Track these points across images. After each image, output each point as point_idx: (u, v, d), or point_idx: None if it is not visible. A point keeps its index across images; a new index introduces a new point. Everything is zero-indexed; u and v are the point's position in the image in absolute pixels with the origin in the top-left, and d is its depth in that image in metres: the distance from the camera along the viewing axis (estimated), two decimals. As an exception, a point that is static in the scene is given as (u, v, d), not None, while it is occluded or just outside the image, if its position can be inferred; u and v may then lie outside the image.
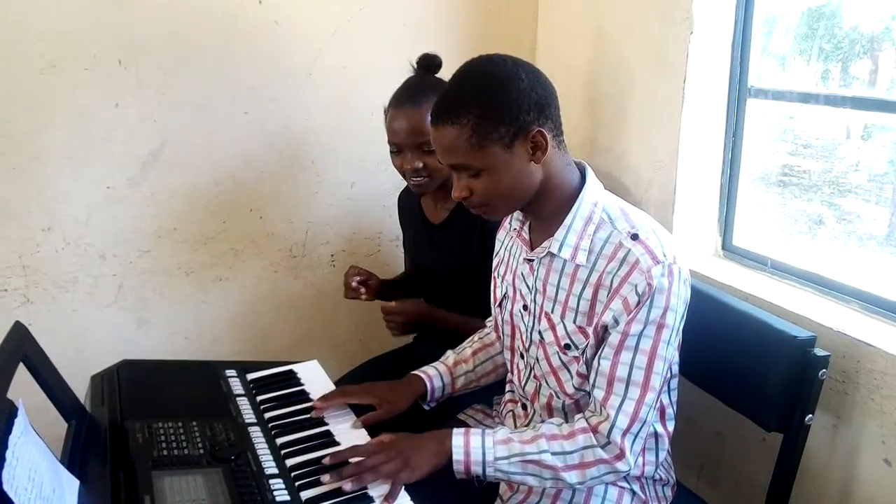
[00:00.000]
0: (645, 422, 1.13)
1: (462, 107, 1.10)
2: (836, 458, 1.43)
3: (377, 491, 1.09)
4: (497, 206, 1.19)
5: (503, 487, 1.33)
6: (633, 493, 1.28)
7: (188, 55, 1.89)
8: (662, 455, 1.29)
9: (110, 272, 1.95)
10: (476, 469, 1.14)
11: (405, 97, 1.59)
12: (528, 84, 1.11)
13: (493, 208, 1.19)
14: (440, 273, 1.74)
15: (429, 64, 1.64)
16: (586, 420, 1.15)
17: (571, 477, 1.13)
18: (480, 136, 1.09)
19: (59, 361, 1.17)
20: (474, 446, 1.14)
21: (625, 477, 1.27)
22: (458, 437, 1.15)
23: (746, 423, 1.36)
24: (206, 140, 1.96)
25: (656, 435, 1.27)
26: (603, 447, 1.13)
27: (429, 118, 1.53)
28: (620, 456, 1.12)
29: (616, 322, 1.12)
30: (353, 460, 1.13)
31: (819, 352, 1.25)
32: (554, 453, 1.13)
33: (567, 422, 1.18)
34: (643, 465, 1.27)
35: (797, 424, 1.26)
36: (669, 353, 1.13)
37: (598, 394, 1.14)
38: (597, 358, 1.15)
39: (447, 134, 1.11)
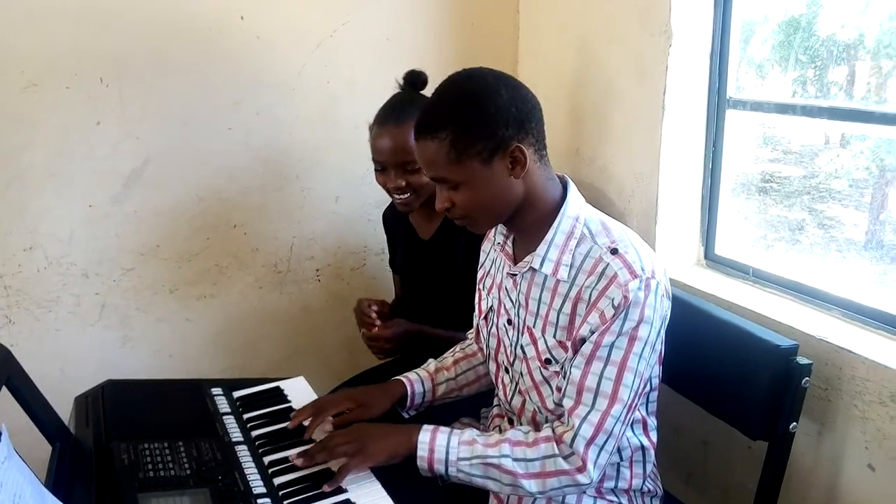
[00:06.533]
0: (611, 434, 1.12)
1: (439, 122, 1.11)
2: (821, 464, 1.44)
3: (361, 499, 1.10)
4: (478, 219, 1.20)
5: (492, 500, 1.33)
6: (621, 504, 1.28)
7: (170, 71, 1.88)
8: (649, 467, 1.30)
9: (93, 291, 1.94)
10: (438, 467, 1.15)
11: (389, 116, 1.59)
12: (507, 99, 1.11)
13: (474, 221, 1.21)
14: (431, 288, 1.74)
15: (414, 81, 1.64)
16: (552, 429, 1.16)
17: (531, 485, 1.13)
18: (458, 150, 1.11)
19: (42, 382, 1.16)
20: (439, 444, 1.15)
21: (612, 490, 1.27)
22: (425, 433, 1.16)
23: (732, 432, 1.37)
24: (190, 156, 1.96)
25: (642, 448, 1.27)
26: (565, 458, 1.12)
27: (412, 136, 1.55)
28: (582, 468, 1.12)
29: (591, 334, 1.12)
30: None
31: (802, 360, 1.26)
32: (515, 459, 1.13)
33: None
34: (630, 478, 1.27)
35: (781, 432, 1.27)
36: (641, 367, 1.13)
37: (567, 403, 1.15)
38: (569, 367, 1.16)
39: (427, 148, 1.13)
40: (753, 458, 1.48)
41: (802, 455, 1.45)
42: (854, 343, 1.37)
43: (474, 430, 1.20)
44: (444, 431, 1.17)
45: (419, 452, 1.15)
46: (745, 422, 1.33)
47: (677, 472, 1.79)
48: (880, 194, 1.55)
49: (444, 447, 1.15)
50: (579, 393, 1.13)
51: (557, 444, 1.13)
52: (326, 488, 1.11)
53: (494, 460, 1.14)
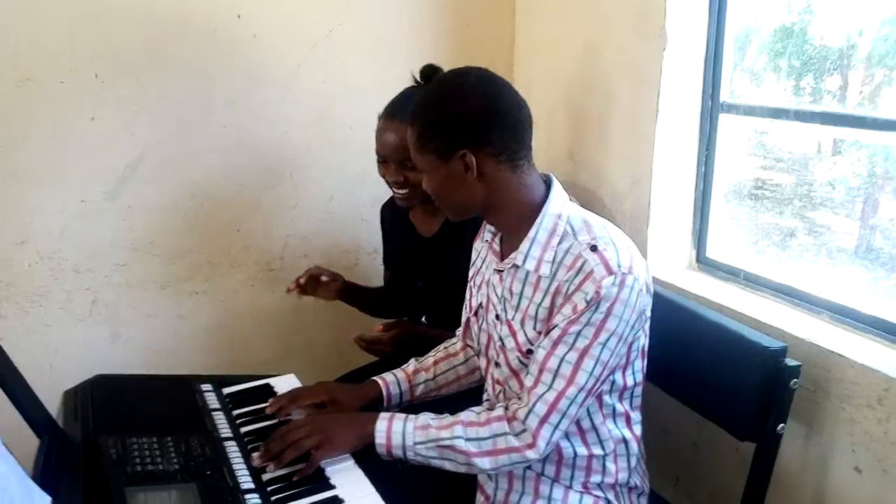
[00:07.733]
0: (565, 414, 1.15)
1: (414, 112, 1.22)
2: (809, 466, 1.45)
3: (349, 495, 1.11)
4: (444, 207, 1.28)
5: (479, 497, 1.33)
6: (608, 501, 1.29)
7: (166, 68, 1.88)
8: (634, 461, 1.31)
9: (84, 286, 1.93)
10: (397, 453, 1.19)
11: (396, 111, 1.59)
12: (472, 107, 1.16)
13: (443, 208, 1.28)
14: (430, 286, 1.73)
15: (430, 75, 1.64)
16: (506, 408, 1.19)
17: (484, 463, 1.17)
18: (422, 141, 1.20)
19: (31, 376, 1.15)
20: (395, 431, 1.20)
21: (598, 485, 1.28)
22: (382, 421, 1.21)
23: (721, 433, 1.37)
24: (184, 153, 1.96)
25: (625, 440, 1.28)
26: (516, 435, 1.16)
27: None
28: (532, 445, 1.15)
29: (562, 321, 1.15)
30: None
31: (791, 362, 1.27)
32: (468, 439, 1.17)
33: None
34: (616, 472, 1.28)
35: (769, 434, 1.27)
36: (605, 356, 1.15)
37: (528, 380, 1.18)
38: (536, 347, 1.19)
39: (408, 131, 1.23)
40: (741, 461, 1.48)
41: (790, 457, 1.46)
42: (843, 346, 1.37)
43: (429, 413, 1.24)
44: (399, 418, 1.21)
45: (377, 440, 1.19)
46: (734, 423, 1.34)
47: (666, 472, 1.80)
48: (871, 201, 1.56)
49: (400, 433, 1.20)
50: (540, 372, 1.17)
51: (509, 422, 1.17)
52: (298, 477, 1.14)
53: (447, 442, 1.18)
